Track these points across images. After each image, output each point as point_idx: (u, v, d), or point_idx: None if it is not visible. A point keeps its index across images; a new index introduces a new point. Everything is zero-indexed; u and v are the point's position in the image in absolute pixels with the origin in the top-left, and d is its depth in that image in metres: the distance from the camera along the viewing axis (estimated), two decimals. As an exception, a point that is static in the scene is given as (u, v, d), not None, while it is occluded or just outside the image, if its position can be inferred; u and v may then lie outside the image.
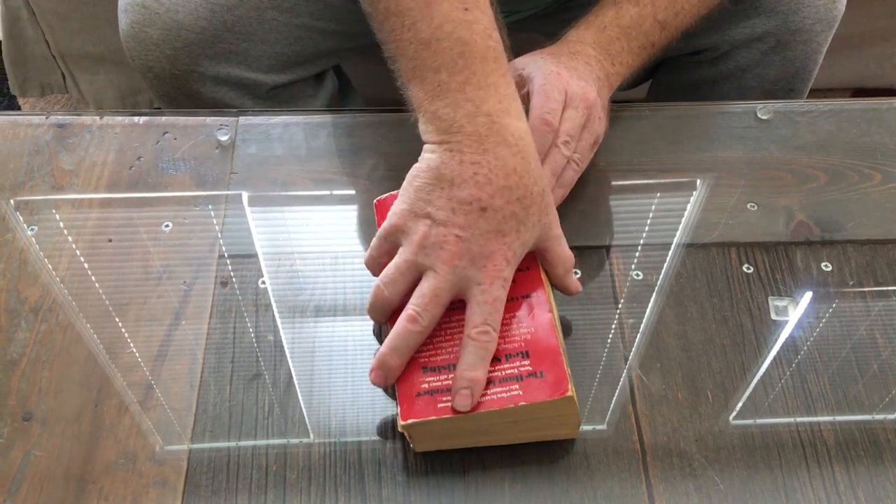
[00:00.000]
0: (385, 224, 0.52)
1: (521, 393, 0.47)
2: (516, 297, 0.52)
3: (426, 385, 0.49)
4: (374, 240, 0.53)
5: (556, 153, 0.59)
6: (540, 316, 0.51)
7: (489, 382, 0.48)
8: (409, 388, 0.49)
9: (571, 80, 0.60)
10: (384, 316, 0.53)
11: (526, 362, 0.48)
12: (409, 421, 0.48)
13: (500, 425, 0.49)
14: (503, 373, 0.48)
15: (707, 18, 0.69)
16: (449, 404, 0.48)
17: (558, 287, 0.55)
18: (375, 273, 0.53)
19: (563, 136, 0.59)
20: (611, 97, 0.65)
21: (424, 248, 0.49)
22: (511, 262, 0.50)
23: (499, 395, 0.47)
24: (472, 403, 0.47)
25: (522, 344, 0.49)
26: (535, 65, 0.61)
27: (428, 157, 0.52)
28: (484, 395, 0.47)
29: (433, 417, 0.47)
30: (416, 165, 0.52)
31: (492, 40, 0.52)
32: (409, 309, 0.49)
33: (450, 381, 0.48)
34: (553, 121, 0.58)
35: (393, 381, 0.50)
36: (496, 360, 0.49)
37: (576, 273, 0.60)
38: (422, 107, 0.53)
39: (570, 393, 0.47)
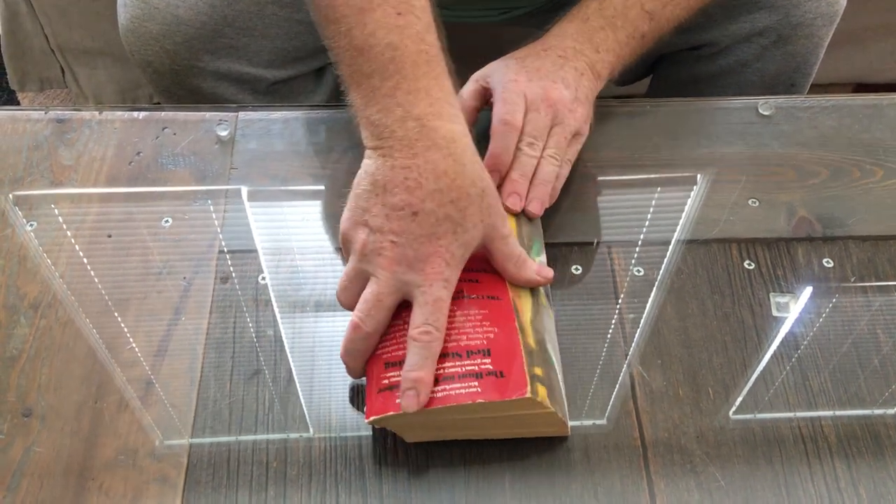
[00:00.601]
0: (340, 233, 0.53)
1: (479, 390, 0.47)
2: (482, 297, 0.52)
3: (387, 381, 0.49)
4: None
5: (521, 155, 0.59)
6: (504, 316, 0.51)
7: (450, 378, 0.48)
8: (373, 384, 0.50)
9: (530, 83, 0.60)
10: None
11: (487, 360, 0.48)
12: (372, 417, 0.48)
13: (471, 420, 0.49)
14: (463, 369, 0.48)
15: (704, 12, 0.68)
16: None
17: (520, 284, 0.54)
18: None
19: (526, 138, 0.59)
20: (602, 87, 0.65)
21: (365, 256, 0.50)
22: (451, 264, 0.50)
23: (457, 392, 0.47)
24: (418, 403, 0.47)
25: (485, 342, 0.49)
26: (498, 75, 0.62)
27: (366, 163, 0.52)
28: (444, 389, 0.47)
29: (391, 413, 0.47)
30: (358, 172, 0.53)
31: (424, 44, 0.53)
32: (354, 316, 0.50)
33: None
34: (513, 120, 0.58)
35: (359, 376, 0.52)
36: (457, 356, 0.49)
37: (576, 269, 0.60)
38: (359, 112, 0.53)
39: (528, 395, 0.46)
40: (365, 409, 0.49)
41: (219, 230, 0.62)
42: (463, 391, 0.47)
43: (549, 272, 0.55)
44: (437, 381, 0.48)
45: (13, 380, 0.54)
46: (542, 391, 0.48)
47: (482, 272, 0.53)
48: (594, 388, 0.54)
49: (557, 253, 0.61)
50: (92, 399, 0.53)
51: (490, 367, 0.48)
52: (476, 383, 0.47)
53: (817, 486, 0.50)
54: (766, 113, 0.70)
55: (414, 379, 0.47)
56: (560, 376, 0.52)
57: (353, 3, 0.52)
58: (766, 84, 0.80)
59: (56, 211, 0.63)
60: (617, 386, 0.54)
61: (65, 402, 0.53)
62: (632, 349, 0.56)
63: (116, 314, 0.57)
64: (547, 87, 0.60)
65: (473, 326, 0.50)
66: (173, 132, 0.68)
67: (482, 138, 0.59)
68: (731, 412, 0.53)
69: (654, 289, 0.59)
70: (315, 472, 0.50)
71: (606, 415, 0.53)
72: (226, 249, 0.61)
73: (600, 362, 0.55)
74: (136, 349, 0.55)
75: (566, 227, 0.63)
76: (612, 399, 0.54)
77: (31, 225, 0.62)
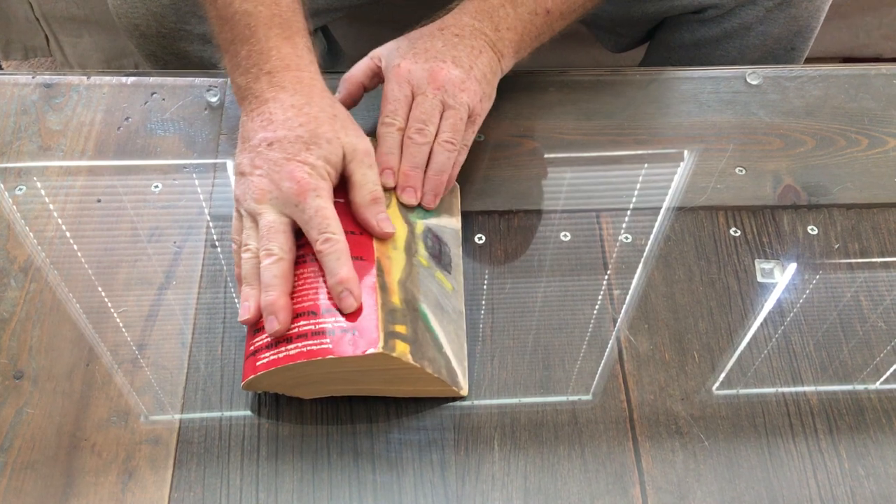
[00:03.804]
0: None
1: (330, 346, 0.48)
2: None
3: (252, 347, 0.50)
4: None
5: (411, 145, 0.57)
6: (364, 275, 0.51)
7: (303, 335, 0.49)
8: (246, 352, 0.51)
9: (416, 65, 0.59)
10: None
11: (341, 318, 0.49)
12: (243, 384, 0.49)
13: (343, 375, 0.49)
14: (317, 326, 0.49)
15: None
16: (265, 360, 0.49)
17: (359, 221, 0.54)
18: None
19: (414, 124, 0.58)
20: (510, 66, 0.64)
21: (246, 200, 0.53)
22: (314, 175, 0.52)
23: (309, 348, 0.48)
24: (355, 302, 0.49)
25: None
26: (387, 60, 0.61)
27: (239, 124, 0.57)
28: (297, 347, 0.48)
29: (251, 376, 0.49)
30: None
31: (278, 7, 0.57)
32: (261, 252, 0.51)
33: (268, 339, 0.49)
34: (393, 121, 0.58)
35: (287, 310, 0.50)
36: (312, 314, 0.49)
37: (565, 236, 0.60)
38: (230, 79, 0.58)
39: (380, 350, 0.47)
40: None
41: (209, 195, 0.62)
42: (315, 347, 0.48)
43: (388, 229, 0.53)
44: (290, 340, 0.49)
45: (4, 342, 0.54)
46: (400, 347, 0.48)
47: (350, 234, 0.53)
48: (582, 352, 0.55)
49: (546, 220, 0.61)
50: (84, 361, 0.53)
51: (343, 324, 0.48)
52: (328, 340, 0.48)
53: (799, 447, 0.51)
54: (754, 82, 0.71)
55: (340, 279, 0.49)
56: (445, 336, 0.52)
57: None
58: (767, 48, 0.80)
59: (45, 176, 0.62)
60: (604, 350, 0.55)
61: (56, 365, 0.53)
62: (619, 315, 0.57)
63: (107, 279, 0.57)
64: (433, 69, 0.58)
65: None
66: (162, 98, 0.68)
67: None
68: (715, 376, 0.54)
69: (642, 255, 0.60)
70: (306, 434, 0.51)
71: (594, 378, 0.54)
72: (216, 215, 0.61)
73: (589, 327, 0.56)
74: (128, 313, 0.55)
75: (555, 194, 0.63)
76: (599, 363, 0.54)
77: (20, 189, 0.62)
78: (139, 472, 0.49)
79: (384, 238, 0.53)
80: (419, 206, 0.58)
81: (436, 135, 0.58)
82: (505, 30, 0.62)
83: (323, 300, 0.50)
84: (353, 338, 0.48)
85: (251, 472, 0.49)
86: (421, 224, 0.57)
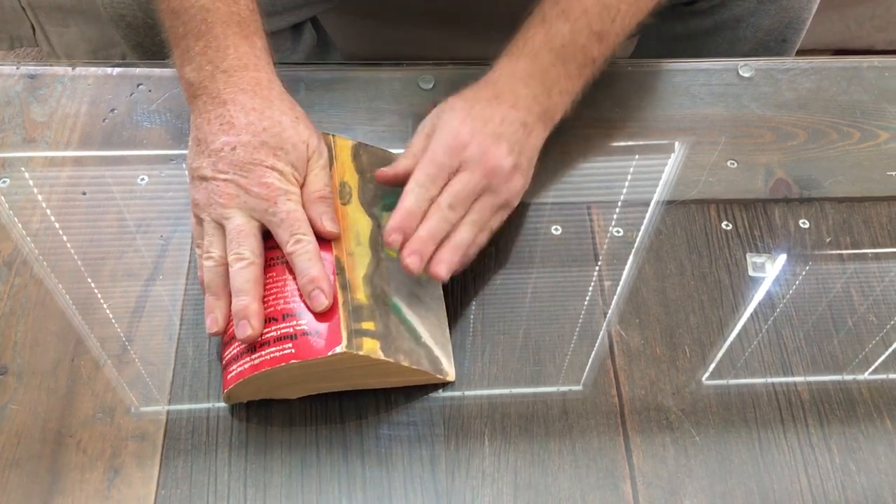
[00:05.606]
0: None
1: (293, 351, 0.47)
2: None
3: (223, 361, 0.50)
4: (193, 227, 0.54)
5: (435, 213, 0.52)
6: None
7: (266, 343, 0.48)
8: (221, 366, 0.51)
9: (473, 141, 0.54)
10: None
11: (303, 321, 0.49)
12: (223, 399, 0.50)
13: (317, 374, 0.49)
14: (278, 332, 0.48)
15: (649, 21, 0.63)
16: (234, 373, 0.49)
17: (309, 218, 0.52)
18: None
19: (447, 197, 0.53)
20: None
21: (210, 206, 0.52)
22: (283, 179, 0.51)
23: (272, 355, 0.48)
24: (326, 300, 0.48)
25: (302, 304, 0.49)
26: (444, 118, 0.55)
27: (191, 128, 0.55)
28: (260, 355, 0.48)
29: (225, 391, 0.49)
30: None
31: (236, 6, 0.56)
32: (231, 257, 0.50)
33: (235, 351, 0.49)
34: (428, 188, 0.53)
35: (256, 322, 0.49)
36: (273, 320, 0.49)
37: (556, 230, 0.60)
38: (178, 72, 0.56)
39: (343, 350, 0.47)
40: None
41: (196, 188, 0.61)
42: (277, 354, 0.47)
43: (329, 227, 0.51)
44: (254, 349, 0.48)
45: (-12, 337, 0.53)
46: (368, 344, 0.48)
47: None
48: (573, 346, 0.55)
49: (537, 213, 0.61)
50: (69, 357, 0.53)
51: (305, 327, 0.48)
52: (290, 345, 0.48)
53: (790, 442, 0.51)
54: (746, 75, 0.70)
55: (311, 279, 0.49)
56: (424, 326, 0.52)
57: None
58: (759, 39, 0.79)
59: (29, 168, 0.62)
60: (595, 344, 0.55)
61: (41, 360, 0.52)
62: (610, 309, 0.56)
63: (93, 272, 0.56)
64: (489, 151, 0.54)
65: (292, 291, 0.50)
66: (148, 89, 0.67)
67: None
68: (706, 370, 0.54)
69: (633, 249, 0.59)
70: (295, 429, 0.50)
71: (585, 372, 0.53)
72: (203, 208, 0.60)
73: (579, 321, 0.56)
74: (114, 307, 0.55)
75: (547, 187, 0.63)
76: (590, 357, 0.54)
77: (4, 181, 0.61)
78: (125, 468, 0.48)
79: (327, 237, 0.52)
80: (389, 207, 0.55)
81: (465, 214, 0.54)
82: (557, 94, 0.58)
83: (283, 305, 0.49)
84: (315, 340, 0.47)
85: (239, 468, 0.49)
86: (388, 217, 0.56)
